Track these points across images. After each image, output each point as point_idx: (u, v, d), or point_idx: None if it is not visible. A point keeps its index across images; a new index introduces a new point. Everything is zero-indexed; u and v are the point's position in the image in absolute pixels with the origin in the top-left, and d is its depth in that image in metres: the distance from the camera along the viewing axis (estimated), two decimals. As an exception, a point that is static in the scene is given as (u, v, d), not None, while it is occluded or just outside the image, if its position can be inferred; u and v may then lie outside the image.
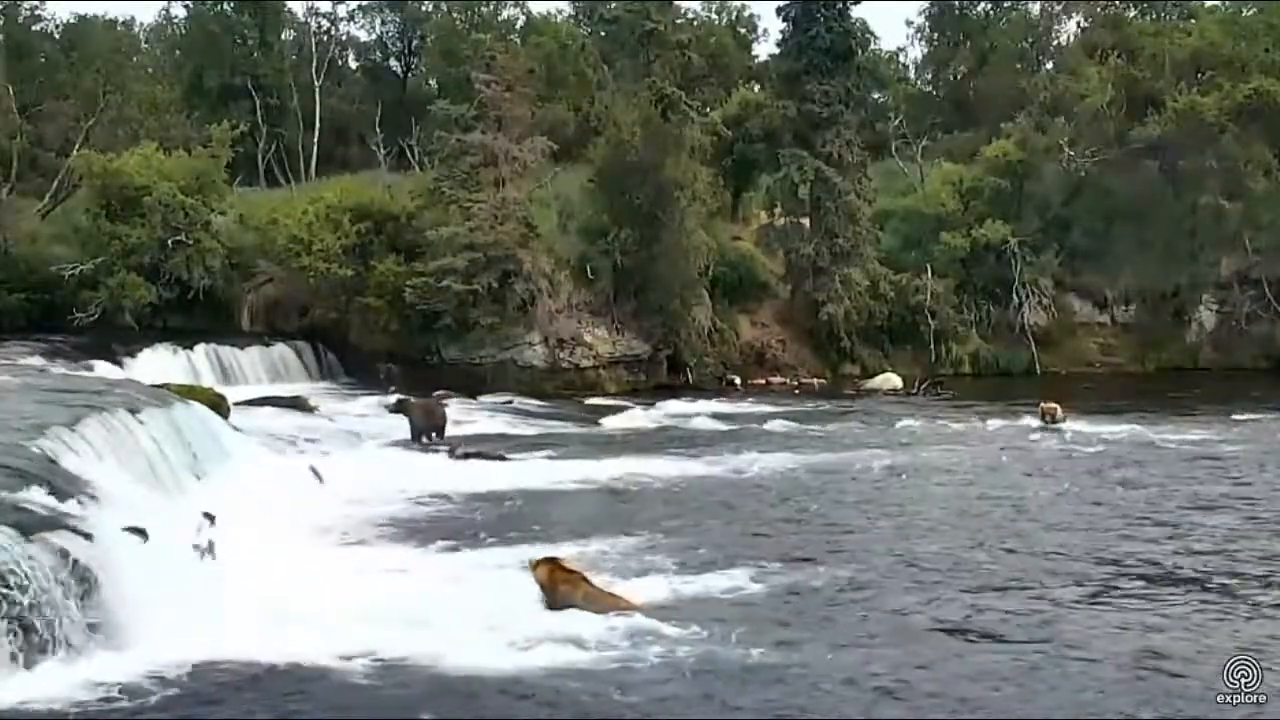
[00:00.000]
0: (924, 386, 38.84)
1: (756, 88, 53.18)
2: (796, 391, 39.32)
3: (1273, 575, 14.98)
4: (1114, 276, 45.03)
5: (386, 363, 37.44)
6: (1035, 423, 28.72)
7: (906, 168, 51.26)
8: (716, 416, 31.67)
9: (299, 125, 56.66)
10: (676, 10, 47.66)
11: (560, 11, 78.85)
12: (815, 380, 41.32)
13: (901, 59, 69.13)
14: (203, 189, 38.95)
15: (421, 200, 39.23)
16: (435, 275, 35.69)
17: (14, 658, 10.53)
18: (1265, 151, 43.55)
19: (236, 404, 27.24)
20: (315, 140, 56.61)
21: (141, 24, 76.61)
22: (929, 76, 69.48)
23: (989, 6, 65.79)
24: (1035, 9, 64.29)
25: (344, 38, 65.78)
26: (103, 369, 31.23)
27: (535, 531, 17.44)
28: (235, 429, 22.94)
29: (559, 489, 21.27)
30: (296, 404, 30.52)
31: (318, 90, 57.14)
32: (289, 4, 67.50)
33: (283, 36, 63.05)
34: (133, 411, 17.88)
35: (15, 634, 10.59)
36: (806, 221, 44.07)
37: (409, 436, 26.37)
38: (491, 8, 64.40)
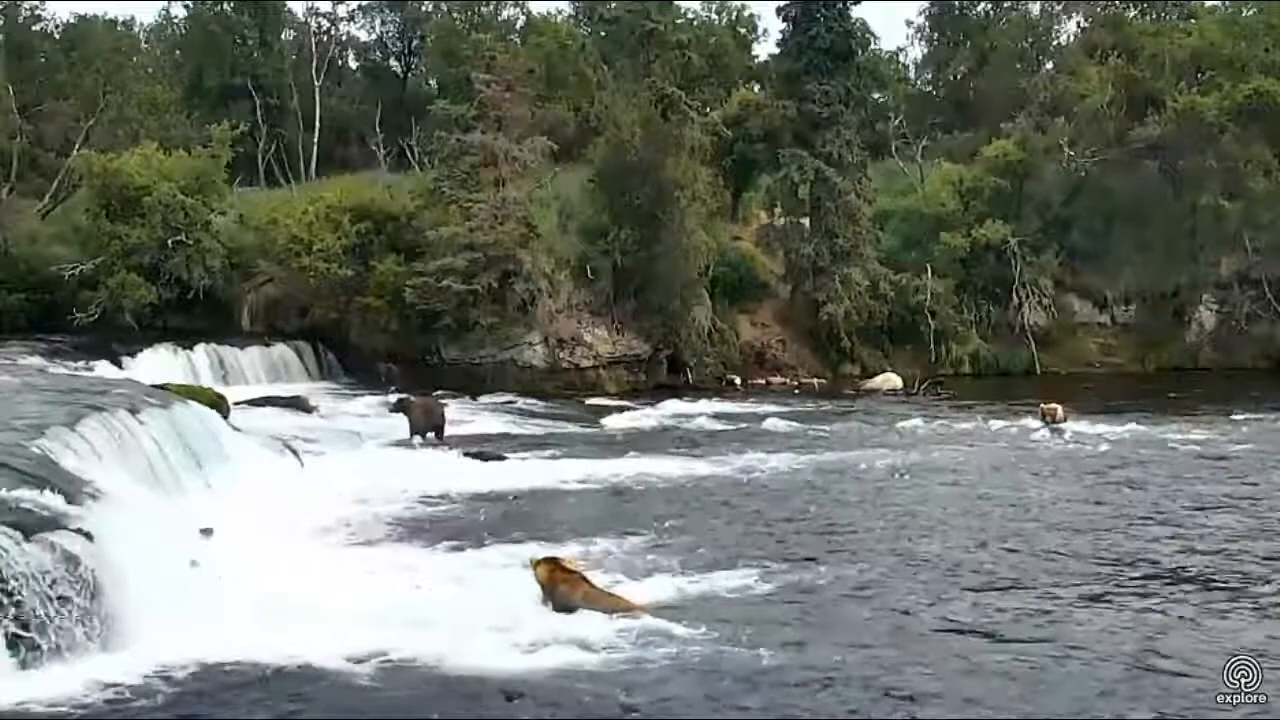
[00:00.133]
0: (924, 386, 38.84)
1: (756, 88, 53.13)
2: (797, 391, 39.32)
3: (1275, 575, 14.98)
4: (1114, 276, 45.00)
5: (387, 363, 37.44)
6: (1036, 423, 28.68)
7: (906, 168, 51.22)
8: (717, 416, 31.67)
9: (299, 125, 56.66)
10: (676, 10, 47.90)
11: (560, 11, 79.01)
12: (815, 380, 41.30)
13: (901, 59, 69.20)
14: (203, 189, 38.92)
15: (421, 200, 39.22)
16: (435, 275, 35.68)
17: (14, 658, 10.53)
18: (1265, 151, 43.51)
19: (236, 404, 27.27)
20: (315, 140, 56.61)
21: (141, 24, 76.64)
22: (929, 76, 69.45)
23: (989, 6, 65.75)
24: (1035, 9, 64.40)
25: (344, 38, 65.85)
26: (103, 369, 31.24)
27: (538, 531, 17.43)
28: (235, 429, 22.93)
29: (561, 489, 21.27)
30: (296, 404, 30.55)
31: (318, 90, 57.15)
32: (289, 4, 67.55)
33: (283, 36, 63.03)
34: (133, 411, 17.88)
35: (15, 634, 10.59)
36: (806, 221, 44.06)
37: (407, 435, 26.39)
38: (491, 8, 64.41)
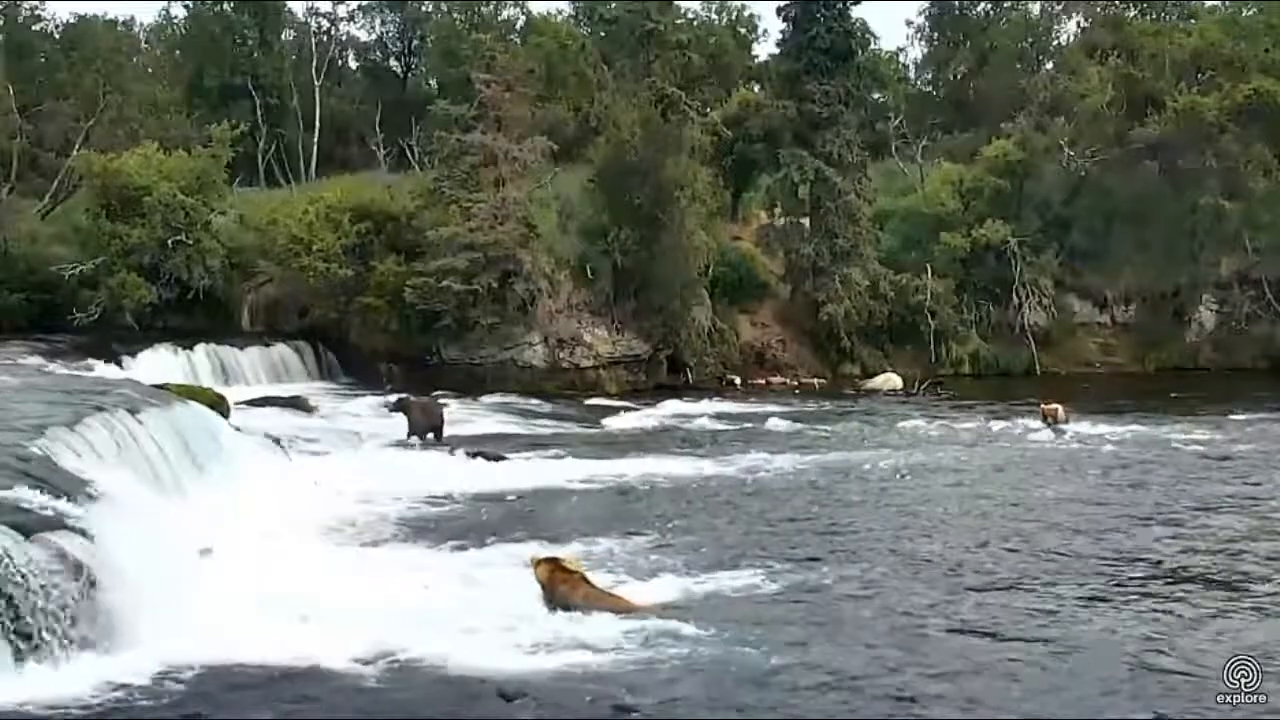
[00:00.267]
0: (924, 386, 38.85)
1: (756, 88, 53.14)
2: (797, 391, 39.32)
3: (1277, 575, 14.97)
4: (1114, 276, 45.00)
5: (387, 363, 37.46)
6: (1037, 423, 28.67)
7: (906, 168, 51.23)
8: (717, 416, 31.68)
9: (299, 125, 56.66)
10: (676, 10, 47.69)
11: (560, 11, 79.02)
12: (815, 380, 41.30)
13: (901, 59, 69.15)
14: (203, 189, 38.92)
15: (421, 200, 39.21)
16: (435, 275, 35.68)
17: (14, 658, 10.52)
18: (1265, 151, 43.51)
19: (236, 404, 27.29)
20: (315, 140, 56.61)
21: (141, 24, 76.69)
22: (929, 76, 69.43)
23: (989, 6, 65.73)
24: (1035, 9, 64.42)
25: (344, 38, 65.85)
26: (103, 369, 31.26)
27: (541, 531, 17.42)
28: (235, 429, 22.93)
29: (562, 489, 21.26)
30: (296, 404, 30.58)
31: (318, 90, 57.15)
32: (289, 4, 67.61)
33: (283, 36, 63.02)
34: (133, 412, 17.87)
35: (15, 634, 10.58)
36: (806, 221, 44.06)
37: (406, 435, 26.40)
38: (491, 8, 64.38)
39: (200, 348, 35.32)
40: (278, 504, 18.64)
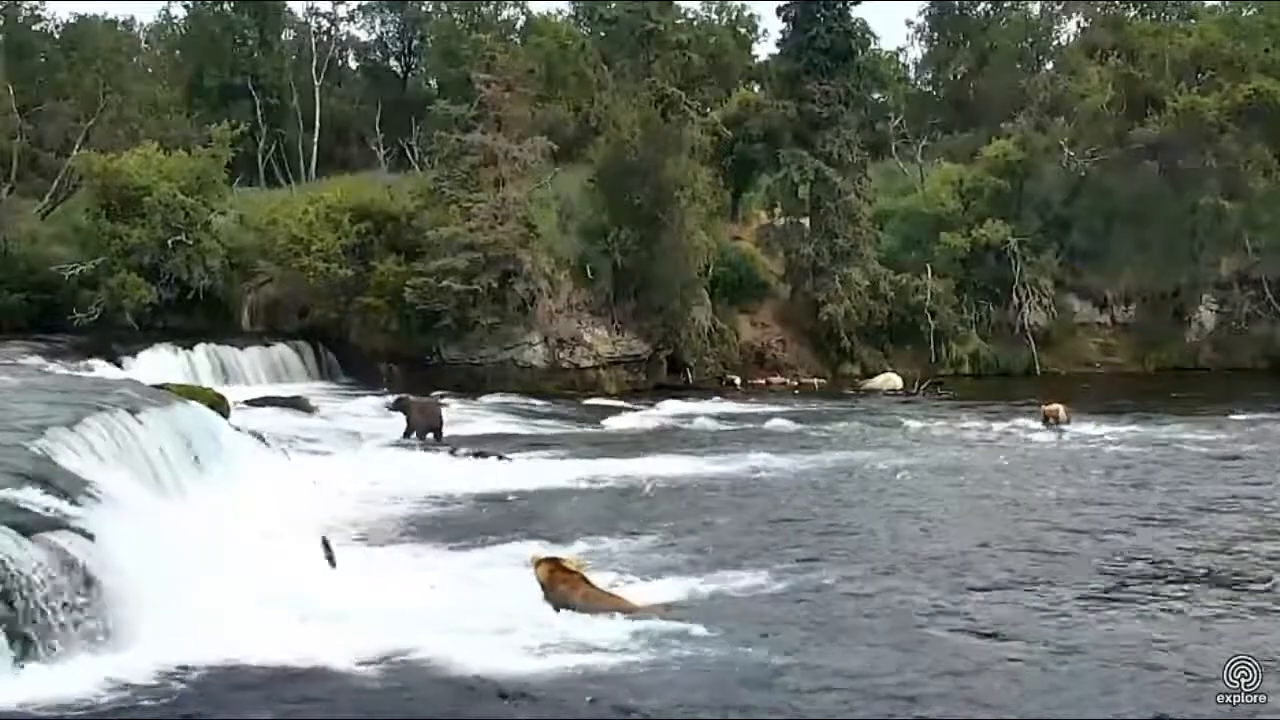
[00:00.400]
0: (924, 386, 38.85)
1: (756, 88, 53.15)
2: (797, 391, 39.33)
3: (1278, 575, 14.99)
4: (1114, 276, 45.02)
5: (387, 363, 37.46)
6: (1037, 423, 28.67)
7: (906, 168, 51.24)
8: (717, 417, 31.68)
9: (299, 125, 56.67)
10: (676, 10, 47.71)
11: (560, 11, 78.99)
12: (815, 380, 41.32)
13: (901, 59, 69.15)
14: (203, 189, 38.93)
15: (421, 200, 39.23)
16: (435, 275, 35.69)
17: (14, 658, 10.51)
18: (1265, 151, 43.53)
19: (236, 404, 27.29)
20: (315, 140, 56.61)
21: (141, 24, 76.65)
22: (929, 76, 69.44)
23: (989, 6, 65.73)
24: (1035, 9, 64.41)
25: (344, 38, 65.84)
26: (103, 369, 31.29)
27: (542, 531, 17.41)
28: (235, 429, 22.92)
29: (563, 488, 21.25)
30: (296, 404, 30.59)
31: (318, 90, 57.15)
32: (289, 4, 67.61)
33: (283, 36, 63.02)
34: (133, 412, 17.86)
35: (15, 634, 10.58)
36: (806, 221, 44.08)
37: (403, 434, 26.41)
38: (491, 8, 64.38)
39: (200, 348, 35.33)
40: (278, 504, 18.64)
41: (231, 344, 36.74)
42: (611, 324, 39.27)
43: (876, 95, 60.76)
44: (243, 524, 16.23)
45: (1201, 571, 15.24)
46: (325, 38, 62.86)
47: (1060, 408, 28.82)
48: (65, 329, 36.00)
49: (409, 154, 50.84)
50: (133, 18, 72.92)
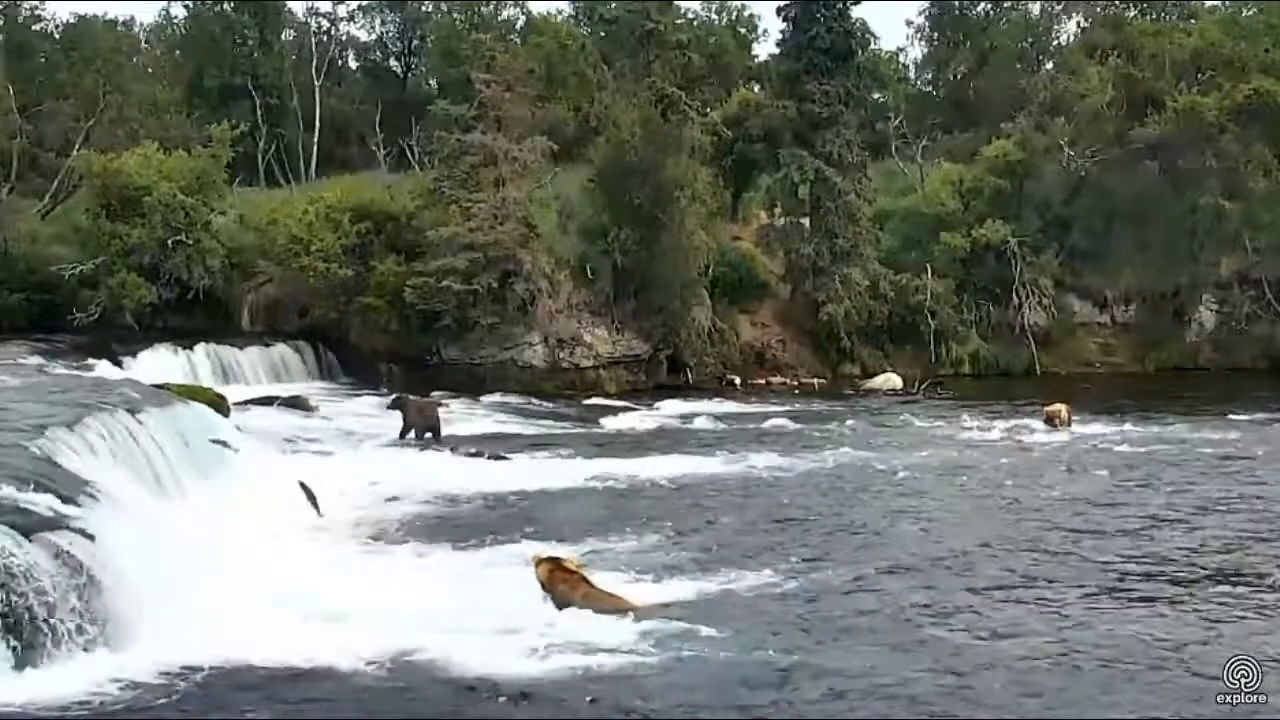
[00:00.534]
0: (924, 387, 38.83)
1: (756, 88, 53.13)
2: (797, 391, 39.32)
3: None
4: (1114, 276, 44.99)
5: (387, 363, 37.44)
6: (1039, 423, 28.65)
7: (906, 168, 51.22)
8: (717, 417, 31.66)
9: (299, 125, 56.63)
10: (676, 10, 47.67)
11: (560, 11, 78.94)
12: (815, 380, 41.30)
13: (901, 59, 69.11)
14: (203, 189, 38.88)
15: (421, 200, 39.19)
16: (435, 275, 35.68)
17: (14, 658, 10.52)
18: (1265, 151, 43.49)
19: (236, 404, 27.27)
20: (315, 140, 56.57)
21: (141, 24, 76.50)
22: (929, 76, 69.39)
23: (989, 6, 65.68)
24: (1035, 9, 64.34)
25: (344, 38, 65.77)
26: (103, 369, 31.22)
27: (544, 531, 17.44)
28: (236, 429, 22.92)
29: (564, 489, 21.26)
30: (296, 404, 30.58)
31: (318, 90, 57.11)
32: (289, 4, 67.55)
33: (283, 36, 62.96)
34: (133, 411, 17.87)
35: (15, 634, 10.58)
36: (806, 221, 44.04)
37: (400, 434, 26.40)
38: (491, 8, 64.35)
39: (200, 348, 35.30)
40: (278, 503, 18.65)
41: (231, 344, 36.70)
42: (611, 324, 39.25)
43: (876, 95, 60.74)
44: (243, 524, 16.23)
45: (1203, 571, 15.25)
46: (325, 38, 62.83)
47: (1063, 408, 28.79)
48: (65, 329, 35.97)
49: (409, 154, 50.82)
50: (133, 18, 72.99)
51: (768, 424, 30.01)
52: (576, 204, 41.80)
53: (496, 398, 34.65)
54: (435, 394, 31.91)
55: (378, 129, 53.90)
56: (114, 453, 15.85)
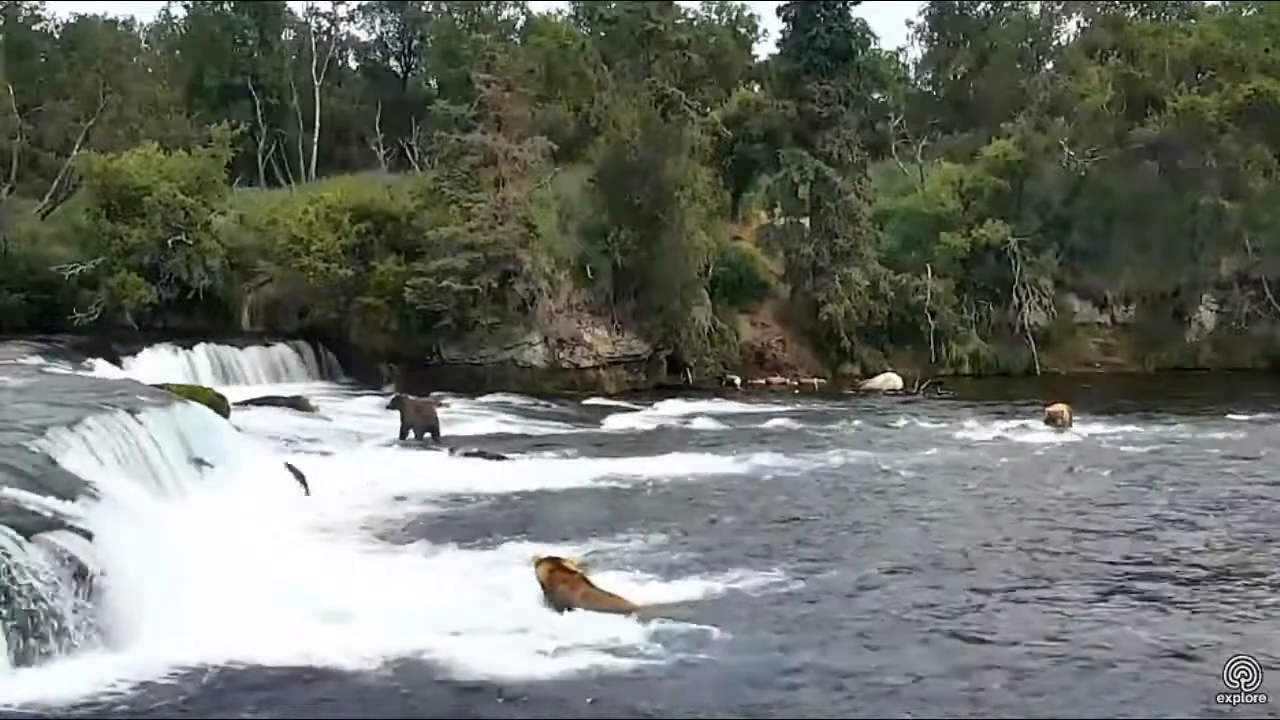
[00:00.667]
0: (924, 387, 38.83)
1: (756, 88, 53.14)
2: (797, 391, 39.31)
3: None
4: (1114, 276, 44.99)
5: (387, 363, 37.44)
6: (1040, 424, 28.64)
7: (906, 168, 51.23)
8: (717, 417, 31.65)
9: (299, 125, 56.65)
10: (676, 10, 47.65)
11: (560, 11, 79.00)
12: (815, 380, 41.29)
13: (901, 59, 69.15)
14: (203, 189, 38.89)
15: (421, 200, 39.19)
16: (435, 275, 35.67)
17: (14, 658, 10.52)
18: (1265, 151, 43.50)
19: (236, 404, 27.26)
20: (315, 140, 56.59)
21: (141, 24, 76.61)
22: (929, 76, 69.42)
23: (989, 6, 65.72)
24: (1035, 9, 64.38)
25: (344, 38, 65.81)
26: (103, 369, 31.25)
27: (541, 531, 17.43)
28: (235, 429, 22.93)
29: (562, 488, 21.23)
30: (296, 404, 30.56)
31: (318, 90, 57.13)
32: (289, 4, 67.58)
33: (283, 36, 62.99)
34: (132, 411, 17.87)
35: (15, 634, 10.59)
36: (806, 221, 44.04)
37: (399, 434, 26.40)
38: (491, 8, 64.37)
39: (200, 348, 35.30)
40: (278, 503, 18.64)
41: (231, 344, 36.70)
42: (611, 324, 39.25)
43: (876, 95, 60.75)
44: (243, 524, 16.23)
45: (1204, 572, 15.25)
46: (325, 38, 62.85)
47: (1064, 408, 28.79)
48: (65, 329, 35.97)
49: (409, 154, 50.83)
50: (133, 18, 73.06)
51: (768, 424, 30.01)
52: (576, 204, 41.80)
53: (496, 398, 34.63)
54: (435, 394, 31.91)
55: (378, 129, 53.91)
56: (114, 453, 15.85)
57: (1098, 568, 15.38)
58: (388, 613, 12.77)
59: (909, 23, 68.93)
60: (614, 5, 53.01)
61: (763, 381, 40.89)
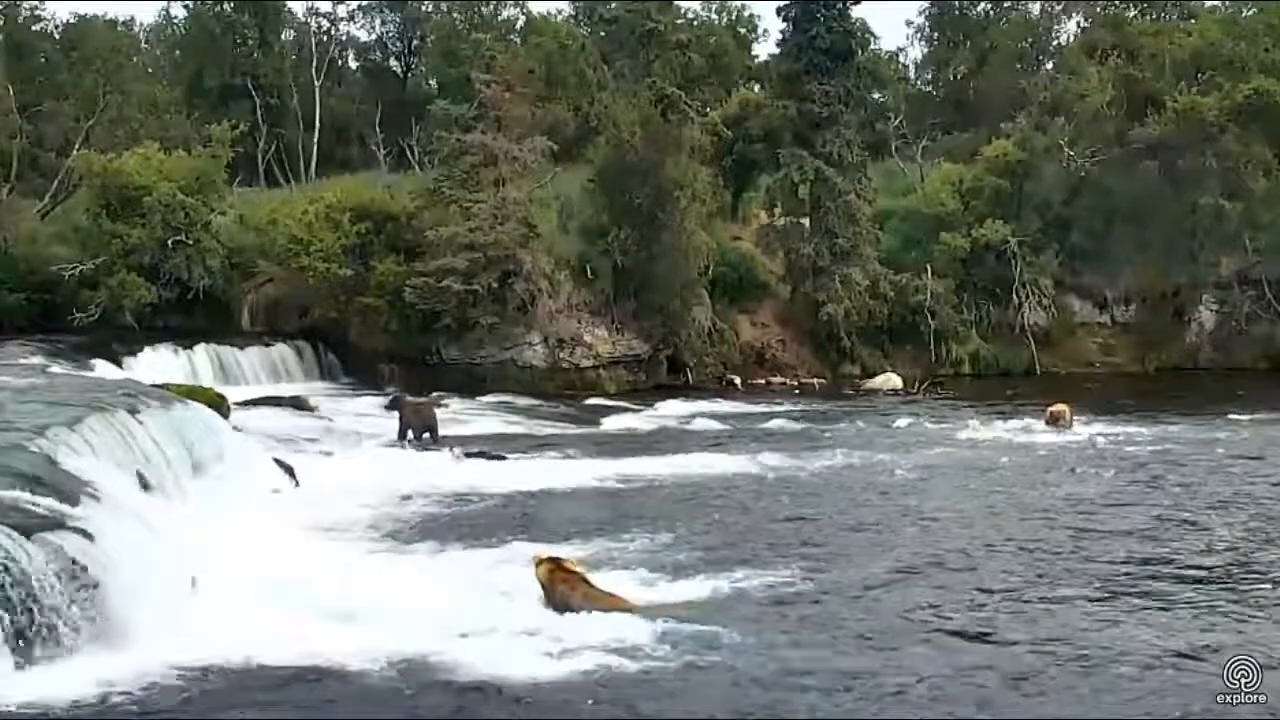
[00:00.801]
0: (924, 387, 38.83)
1: (756, 88, 53.15)
2: (797, 391, 39.30)
3: None
4: (1114, 276, 44.99)
5: (387, 363, 37.43)
6: (1040, 424, 28.63)
7: (906, 168, 51.23)
8: (718, 417, 31.65)
9: (299, 125, 56.62)
10: (676, 10, 47.73)
11: (560, 11, 78.94)
12: (815, 380, 41.27)
13: (901, 59, 69.19)
14: (203, 189, 38.87)
15: (421, 200, 39.17)
16: (435, 275, 35.67)
17: (14, 658, 10.51)
18: (1265, 151, 43.49)
19: (237, 404, 27.25)
20: (315, 140, 56.55)
21: (141, 24, 76.50)
22: (929, 76, 69.47)
23: (989, 6, 65.75)
24: (1035, 9, 64.27)
25: (344, 38, 65.81)
26: (103, 369, 31.23)
27: (541, 531, 17.41)
28: (236, 429, 22.92)
29: (562, 489, 21.23)
30: (297, 404, 30.56)
31: (318, 90, 57.08)
32: (289, 4, 67.54)
33: (283, 36, 63.00)
34: (133, 412, 17.87)
35: (15, 634, 10.58)
36: (806, 221, 44.02)
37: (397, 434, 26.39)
38: (491, 8, 64.40)
39: (200, 348, 35.29)
40: (278, 503, 18.62)
41: (231, 344, 36.68)
42: (611, 324, 39.23)
43: (876, 95, 60.70)
44: (243, 524, 16.22)
45: (1205, 572, 15.25)
46: (325, 38, 62.80)
47: (1065, 408, 28.76)
48: (65, 329, 35.95)
49: (409, 154, 50.82)
50: (133, 18, 72.97)
51: (768, 424, 30.03)
52: (576, 204, 41.79)
53: (496, 398, 34.65)
54: (435, 394, 31.90)
55: (378, 129, 53.86)
56: (114, 453, 15.85)
57: (1099, 568, 15.37)
58: (390, 613, 12.75)
59: (909, 23, 69.13)
60: (614, 5, 52.96)
61: (763, 381, 40.88)
